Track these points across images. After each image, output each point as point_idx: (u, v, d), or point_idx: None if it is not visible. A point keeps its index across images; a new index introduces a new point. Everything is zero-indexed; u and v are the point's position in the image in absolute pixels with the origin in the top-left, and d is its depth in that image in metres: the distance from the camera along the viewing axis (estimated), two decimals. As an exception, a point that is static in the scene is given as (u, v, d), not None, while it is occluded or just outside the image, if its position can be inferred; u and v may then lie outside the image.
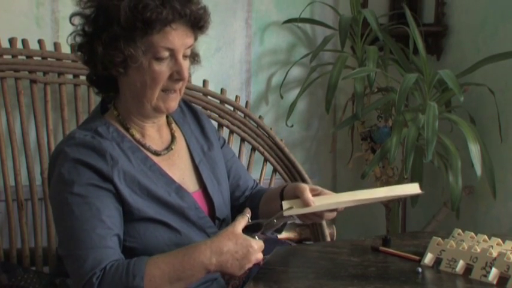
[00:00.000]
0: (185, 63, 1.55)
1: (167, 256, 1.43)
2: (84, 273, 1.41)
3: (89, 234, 1.44)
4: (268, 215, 1.62)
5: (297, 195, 1.55)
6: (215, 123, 2.47)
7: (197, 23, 1.54)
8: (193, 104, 1.82)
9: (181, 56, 1.53)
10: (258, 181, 2.46)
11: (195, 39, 1.58)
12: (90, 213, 1.45)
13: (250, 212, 1.48)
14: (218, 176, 1.70)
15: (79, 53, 1.58)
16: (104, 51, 1.49)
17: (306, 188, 1.55)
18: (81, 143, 1.50)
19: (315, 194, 1.56)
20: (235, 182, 1.79)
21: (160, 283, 1.39)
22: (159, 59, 1.50)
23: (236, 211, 1.73)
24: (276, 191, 1.70)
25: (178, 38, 1.51)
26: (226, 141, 2.46)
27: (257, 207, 1.75)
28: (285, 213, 1.52)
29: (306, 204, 1.53)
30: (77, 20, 1.56)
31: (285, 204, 1.54)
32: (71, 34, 1.58)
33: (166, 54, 1.51)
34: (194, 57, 1.65)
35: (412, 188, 1.61)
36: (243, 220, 1.46)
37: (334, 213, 1.60)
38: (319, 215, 1.59)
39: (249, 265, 1.43)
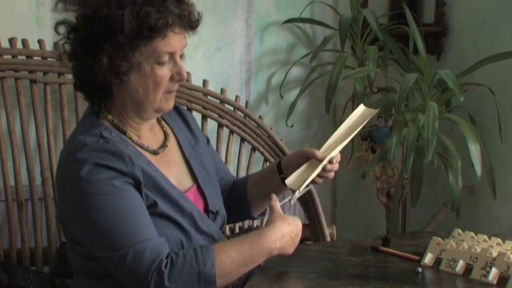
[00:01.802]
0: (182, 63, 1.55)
1: (234, 244, 1.48)
2: (147, 265, 1.41)
3: (136, 227, 1.43)
4: (261, 195, 1.73)
5: (304, 160, 1.67)
6: (215, 123, 2.47)
7: (192, 23, 1.55)
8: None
9: (179, 56, 1.54)
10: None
11: None
12: (129, 207, 1.45)
13: (276, 195, 1.59)
14: (207, 169, 1.71)
15: (71, 63, 1.55)
16: (110, 61, 1.46)
17: (314, 151, 1.67)
18: (97, 149, 1.47)
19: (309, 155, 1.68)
20: (220, 178, 1.81)
21: (230, 269, 1.45)
22: (161, 64, 1.50)
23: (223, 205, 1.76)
24: (270, 169, 1.78)
25: (178, 41, 1.51)
26: (226, 141, 2.48)
27: (245, 193, 1.80)
28: (301, 189, 1.61)
29: (320, 159, 1.65)
30: (63, 29, 1.53)
31: (294, 179, 1.63)
32: (58, 41, 1.55)
33: (167, 57, 1.51)
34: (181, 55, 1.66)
35: (362, 110, 1.72)
36: (277, 203, 1.56)
37: (337, 165, 1.70)
38: (328, 170, 1.68)
39: (298, 239, 1.53)
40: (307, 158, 1.67)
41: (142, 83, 1.51)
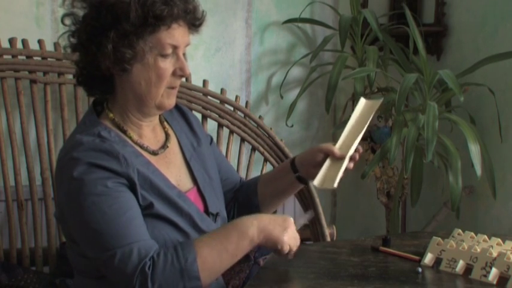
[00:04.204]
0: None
1: (212, 232, 1.50)
2: (134, 267, 1.41)
3: (126, 229, 1.44)
4: (273, 194, 1.71)
5: (323, 155, 1.67)
6: (215, 123, 2.47)
7: (196, 21, 1.57)
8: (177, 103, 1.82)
9: (182, 52, 1.55)
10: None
11: None
12: (120, 208, 1.45)
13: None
14: (209, 170, 1.71)
15: (77, 53, 1.56)
16: (114, 48, 1.48)
17: (332, 148, 1.66)
18: (92, 148, 1.48)
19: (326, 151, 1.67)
20: (224, 178, 1.80)
21: (211, 260, 1.43)
22: (164, 56, 1.52)
23: (226, 207, 1.76)
24: (282, 168, 1.77)
25: (181, 35, 1.53)
26: (226, 141, 2.47)
27: (255, 193, 1.79)
28: (335, 185, 1.61)
29: (340, 156, 1.64)
30: (69, 20, 1.55)
31: (322, 179, 1.63)
32: (63, 33, 1.56)
33: (170, 51, 1.52)
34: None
35: (363, 103, 1.70)
36: None
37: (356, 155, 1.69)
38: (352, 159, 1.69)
39: (291, 228, 1.49)
40: (326, 154, 1.67)
41: (144, 75, 1.52)
